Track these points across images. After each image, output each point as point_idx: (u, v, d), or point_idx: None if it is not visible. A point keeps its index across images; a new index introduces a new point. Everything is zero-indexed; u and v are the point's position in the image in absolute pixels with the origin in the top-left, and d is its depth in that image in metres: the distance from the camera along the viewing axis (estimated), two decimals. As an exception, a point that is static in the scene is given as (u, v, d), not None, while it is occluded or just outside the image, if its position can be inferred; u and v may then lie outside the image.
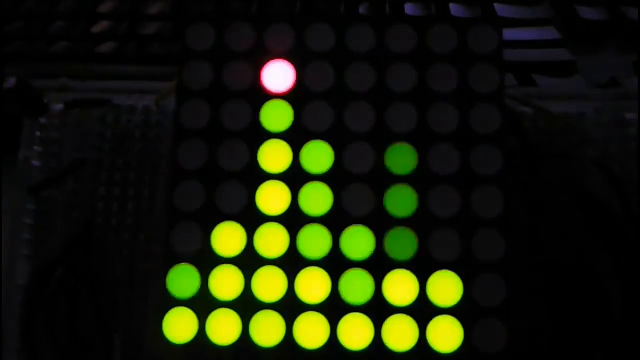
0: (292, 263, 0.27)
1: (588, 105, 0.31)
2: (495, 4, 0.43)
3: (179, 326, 0.26)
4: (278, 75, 0.28)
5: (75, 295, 0.29)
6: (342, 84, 0.28)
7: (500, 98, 0.28)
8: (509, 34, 0.41)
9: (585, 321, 0.28)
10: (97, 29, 0.44)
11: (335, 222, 0.27)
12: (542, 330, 0.28)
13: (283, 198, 0.27)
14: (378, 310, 0.26)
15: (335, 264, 0.27)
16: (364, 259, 0.27)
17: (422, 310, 0.26)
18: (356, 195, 0.27)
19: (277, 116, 0.28)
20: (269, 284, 0.27)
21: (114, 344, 0.29)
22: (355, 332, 0.26)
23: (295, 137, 0.28)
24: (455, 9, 0.43)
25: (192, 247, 0.27)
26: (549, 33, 0.42)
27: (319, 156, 0.27)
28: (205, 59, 0.28)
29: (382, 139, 0.27)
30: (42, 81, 0.33)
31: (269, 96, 0.28)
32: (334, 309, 0.26)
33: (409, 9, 0.43)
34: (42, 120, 0.32)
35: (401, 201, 0.27)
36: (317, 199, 0.27)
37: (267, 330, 0.26)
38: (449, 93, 0.28)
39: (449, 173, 0.27)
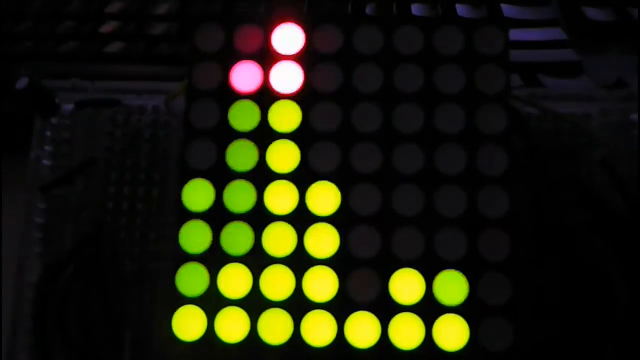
0: (299, 262, 0.27)
1: (594, 106, 0.31)
2: (502, 5, 0.44)
3: (188, 324, 0.27)
4: (286, 77, 0.28)
5: (86, 293, 0.29)
6: (350, 85, 0.28)
7: (506, 99, 0.28)
8: (516, 34, 0.42)
9: (591, 320, 0.28)
10: (105, 29, 0.44)
11: (343, 221, 0.27)
12: (549, 328, 0.28)
13: (291, 198, 0.27)
14: (385, 308, 0.26)
15: (343, 263, 0.27)
16: (371, 258, 0.27)
17: (429, 309, 0.26)
18: (364, 195, 0.27)
19: (285, 117, 0.28)
20: (277, 283, 0.27)
21: (123, 341, 0.29)
22: (363, 330, 0.26)
23: (304, 138, 0.28)
24: (461, 10, 0.43)
25: (201, 246, 0.27)
26: (556, 34, 0.42)
27: (326, 157, 0.28)
28: (214, 60, 0.28)
29: (389, 140, 0.28)
30: (53, 81, 0.33)
31: (277, 97, 0.28)
32: (342, 307, 0.26)
33: (416, 9, 0.43)
34: (53, 120, 0.32)
35: (408, 201, 0.27)
36: (325, 199, 0.27)
37: (275, 328, 0.26)
38: (455, 94, 0.28)
39: (456, 173, 0.27)
